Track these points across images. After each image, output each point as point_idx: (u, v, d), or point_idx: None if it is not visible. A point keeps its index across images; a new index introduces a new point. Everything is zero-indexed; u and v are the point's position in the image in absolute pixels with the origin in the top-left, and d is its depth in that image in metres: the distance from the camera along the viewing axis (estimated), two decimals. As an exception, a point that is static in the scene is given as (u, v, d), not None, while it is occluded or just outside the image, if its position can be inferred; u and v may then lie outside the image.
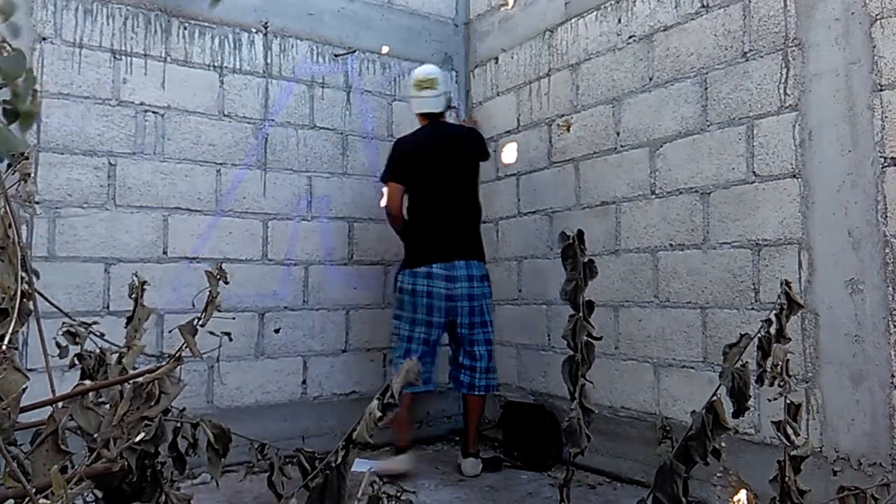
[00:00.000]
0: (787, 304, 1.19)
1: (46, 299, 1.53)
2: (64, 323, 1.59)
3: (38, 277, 1.69)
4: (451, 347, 3.38)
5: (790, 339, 1.22)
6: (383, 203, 3.47)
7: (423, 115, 3.44)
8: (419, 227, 3.33)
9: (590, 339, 1.58)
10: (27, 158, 1.32)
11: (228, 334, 1.73)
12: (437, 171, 3.30)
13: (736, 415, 1.38)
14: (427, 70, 3.49)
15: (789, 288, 1.17)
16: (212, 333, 1.62)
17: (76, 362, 1.55)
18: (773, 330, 1.20)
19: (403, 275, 3.30)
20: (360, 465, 2.19)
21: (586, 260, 1.53)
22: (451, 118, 4.14)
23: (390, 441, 3.28)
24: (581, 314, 1.52)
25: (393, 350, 3.42)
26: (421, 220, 3.33)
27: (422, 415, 3.73)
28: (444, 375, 3.49)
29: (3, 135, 1.35)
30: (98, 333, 1.67)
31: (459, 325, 3.27)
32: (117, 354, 1.55)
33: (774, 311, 1.18)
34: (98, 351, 1.56)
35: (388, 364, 3.73)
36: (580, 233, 1.75)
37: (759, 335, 1.23)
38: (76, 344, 1.60)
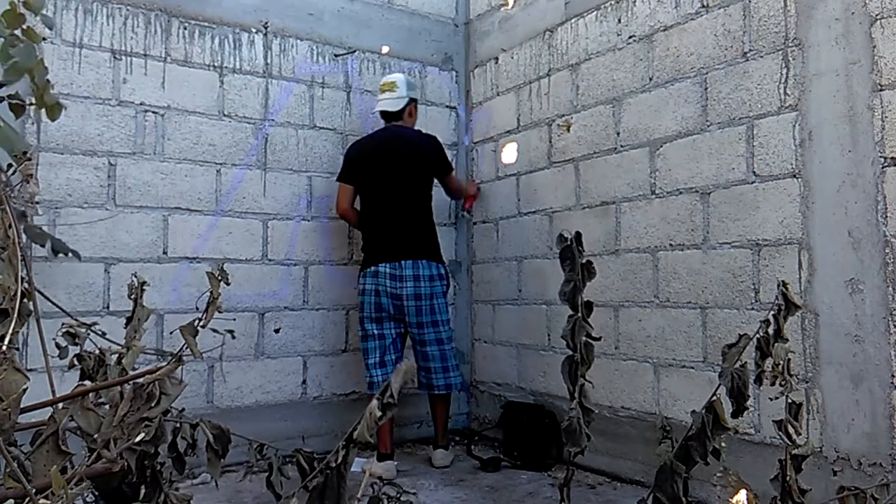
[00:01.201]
0: (784, 304, 1.20)
1: (49, 300, 1.53)
2: (64, 323, 1.59)
3: (79, 259, 1.66)
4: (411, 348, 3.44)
5: (787, 340, 1.22)
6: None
7: (381, 116, 3.53)
8: (368, 228, 3.41)
9: (589, 340, 1.59)
10: (30, 159, 1.32)
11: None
12: (384, 174, 3.36)
13: (735, 415, 1.38)
14: (390, 76, 3.60)
15: (786, 289, 1.17)
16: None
17: (76, 363, 1.55)
18: (771, 330, 1.20)
19: (357, 278, 3.41)
20: (353, 465, 2.19)
21: (584, 261, 1.53)
22: (450, 120, 4.15)
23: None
24: (580, 314, 1.52)
25: None
26: (369, 222, 3.40)
27: (422, 415, 3.73)
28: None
29: (6, 133, 1.35)
30: (99, 333, 1.67)
31: (409, 324, 3.33)
32: (117, 355, 1.55)
33: (772, 312, 1.18)
34: (98, 352, 1.56)
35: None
36: (578, 234, 1.75)
37: (757, 336, 1.23)
38: (76, 344, 1.60)
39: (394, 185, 3.36)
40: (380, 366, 3.28)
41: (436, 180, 3.52)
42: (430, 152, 3.47)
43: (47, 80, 1.20)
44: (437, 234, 3.48)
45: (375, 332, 3.31)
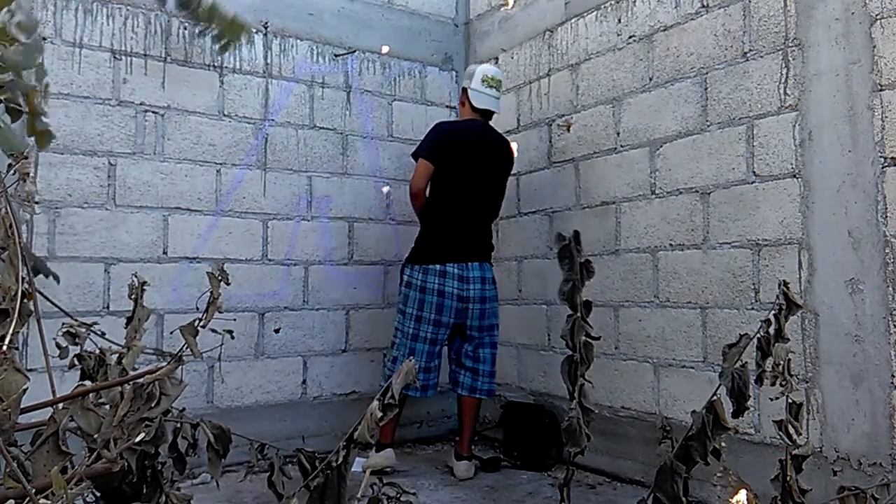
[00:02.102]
0: (785, 304, 1.19)
1: (49, 300, 1.53)
2: (64, 323, 1.59)
3: (58, 282, 1.69)
4: (454, 347, 3.29)
5: (789, 340, 1.23)
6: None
7: (476, 111, 3.31)
8: (439, 221, 3.21)
9: (588, 339, 1.58)
10: (27, 158, 1.32)
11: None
12: (475, 169, 3.21)
13: (735, 415, 1.38)
14: (497, 71, 3.42)
15: (787, 289, 1.17)
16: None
17: (76, 363, 1.55)
18: (772, 330, 1.20)
19: (413, 269, 3.20)
20: (354, 465, 2.19)
21: (583, 260, 1.53)
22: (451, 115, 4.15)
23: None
24: (579, 314, 1.52)
25: (395, 347, 3.26)
26: (443, 215, 3.21)
27: (422, 415, 3.73)
28: (445, 377, 3.41)
29: (5, 135, 1.35)
30: (99, 333, 1.66)
31: (469, 327, 3.20)
32: (117, 355, 1.55)
33: (773, 312, 1.18)
34: (98, 352, 1.56)
35: (390, 362, 3.61)
36: (576, 234, 1.75)
37: (758, 335, 1.23)
38: (76, 344, 1.60)
39: (481, 185, 3.23)
40: (423, 371, 3.13)
41: None
42: (511, 164, 3.42)
43: (46, 85, 1.19)
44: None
45: (430, 335, 3.14)
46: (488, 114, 3.35)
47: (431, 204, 3.26)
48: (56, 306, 1.61)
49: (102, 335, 1.67)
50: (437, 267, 3.13)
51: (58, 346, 1.60)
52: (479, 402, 3.28)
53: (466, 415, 3.25)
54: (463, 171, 3.20)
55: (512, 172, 3.79)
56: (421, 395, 3.16)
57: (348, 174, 3.76)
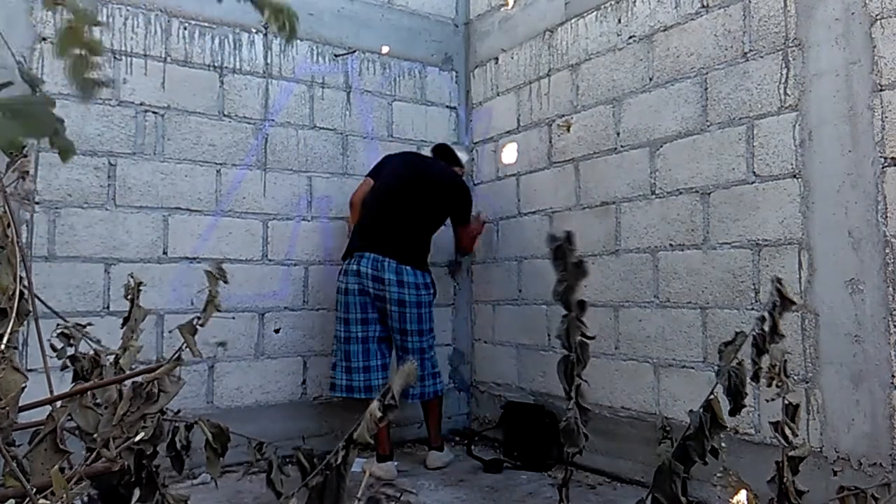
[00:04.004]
0: (779, 300, 1.19)
1: (41, 301, 1.52)
2: (58, 325, 1.59)
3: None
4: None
5: (784, 336, 1.22)
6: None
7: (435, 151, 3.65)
8: (360, 219, 3.36)
9: (584, 339, 1.58)
10: (26, 156, 1.32)
11: (223, 344, 1.73)
12: (401, 183, 3.35)
13: (733, 412, 1.37)
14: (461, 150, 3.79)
15: (781, 285, 1.16)
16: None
17: (69, 364, 1.54)
18: (767, 327, 1.20)
19: (339, 275, 3.35)
20: (353, 465, 2.19)
21: (575, 260, 1.53)
22: (450, 121, 4.15)
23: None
24: (574, 314, 1.51)
25: (332, 353, 3.36)
26: (362, 213, 3.36)
27: (422, 415, 3.72)
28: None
29: (2, 130, 1.34)
30: (95, 340, 1.66)
31: (392, 329, 3.26)
32: (113, 356, 1.54)
33: (767, 309, 1.18)
34: (92, 353, 1.55)
35: (331, 370, 3.48)
36: (569, 234, 1.74)
37: (753, 332, 1.23)
38: (70, 346, 1.60)
39: (409, 197, 3.32)
40: (363, 370, 3.21)
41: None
42: (459, 199, 3.51)
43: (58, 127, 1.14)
44: (427, 254, 3.41)
45: (360, 333, 3.23)
46: (445, 154, 3.61)
47: (362, 209, 3.39)
48: (47, 307, 1.61)
49: (98, 342, 1.66)
50: (353, 267, 3.24)
51: (53, 347, 1.59)
52: (433, 402, 3.40)
53: (424, 412, 3.44)
54: (388, 182, 3.37)
55: (512, 173, 3.81)
56: (366, 395, 3.13)
57: (348, 174, 3.76)
